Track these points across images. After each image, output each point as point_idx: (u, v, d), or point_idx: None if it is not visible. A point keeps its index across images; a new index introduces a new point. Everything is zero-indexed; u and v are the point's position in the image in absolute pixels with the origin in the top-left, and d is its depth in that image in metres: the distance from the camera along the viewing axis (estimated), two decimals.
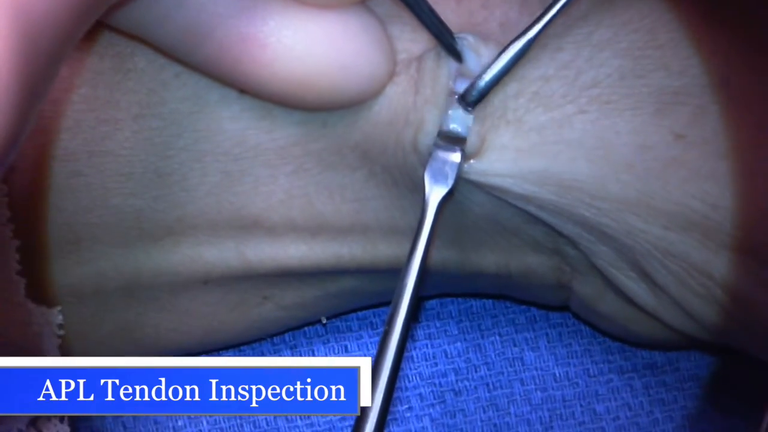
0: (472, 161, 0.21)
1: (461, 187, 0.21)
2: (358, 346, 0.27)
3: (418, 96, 0.20)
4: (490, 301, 0.28)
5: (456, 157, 0.20)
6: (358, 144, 0.21)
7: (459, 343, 0.27)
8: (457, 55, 0.20)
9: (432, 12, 0.20)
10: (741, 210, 0.19)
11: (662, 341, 0.24)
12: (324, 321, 0.27)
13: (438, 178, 0.21)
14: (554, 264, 0.23)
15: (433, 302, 0.28)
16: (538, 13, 0.20)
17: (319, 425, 0.27)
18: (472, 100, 0.20)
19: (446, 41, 0.20)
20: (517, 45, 0.20)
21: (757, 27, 0.20)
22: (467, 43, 0.20)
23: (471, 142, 0.20)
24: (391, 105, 0.21)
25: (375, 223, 0.23)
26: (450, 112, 0.20)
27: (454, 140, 0.20)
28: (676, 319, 0.22)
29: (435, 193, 0.20)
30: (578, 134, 0.20)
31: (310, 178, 0.22)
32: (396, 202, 0.22)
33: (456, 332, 0.27)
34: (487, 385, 0.27)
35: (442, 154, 0.21)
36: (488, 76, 0.20)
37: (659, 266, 0.20)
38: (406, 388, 0.27)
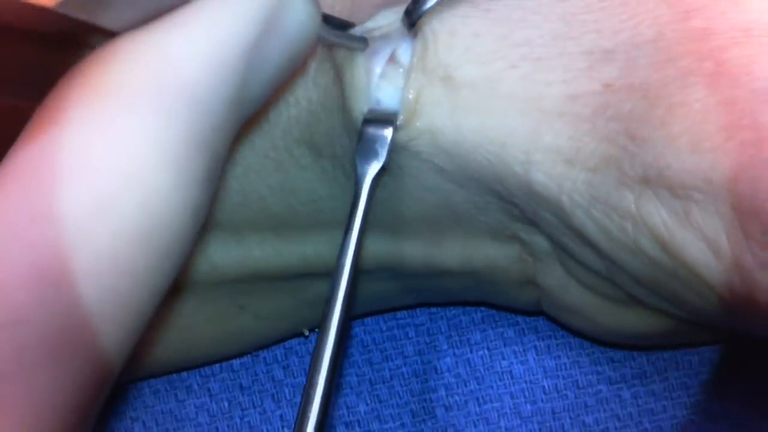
0: (408, 127, 0.21)
1: (406, 167, 0.21)
2: (349, 364, 0.28)
3: (342, 81, 0.21)
4: (479, 314, 0.28)
5: (388, 132, 0.21)
6: (302, 138, 0.22)
7: (449, 358, 0.28)
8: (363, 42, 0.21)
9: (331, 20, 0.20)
10: (662, 143, 0.19)
11: (628, 333, 0.24)
12: (306, 333, 0.27)
13: (369, 156, 0.21)
14: (515, 254, 0.23)
15: (422, 317, 0.28)
16: None
17: None
18: (414, 19, 0.21)
19: (352, 45, 0.21)
20: None
21: None
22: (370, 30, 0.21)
23: (405, 102, 0.21)
24: (323, 94, 0.21)
25: (334, 222, 0.23)
26: (376, 88, 0.21)
27: (384, 118, 0.21)
28: (628, 286, 0.22)
29: (367, 171, 0.21)
30: (509, 88, 0.20)
31: (261, 180, 0.22)
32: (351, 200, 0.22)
33: (445, 347, 0.28)
34: (477, 399, 0.27)
35: (372, 132, 0.21)
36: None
37: (585, 217, 0.20)
38: (398, 405, 0.27)
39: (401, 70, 0.21)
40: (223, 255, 0.23)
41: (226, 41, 0.16)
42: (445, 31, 0.21)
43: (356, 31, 0.21)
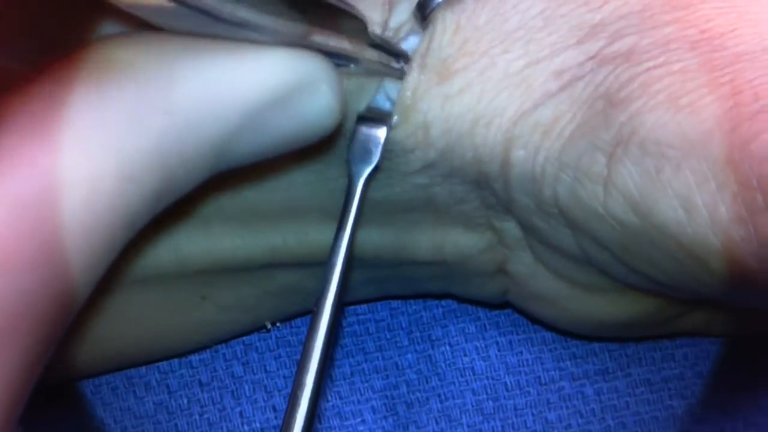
0: (402, 125, 0.21)
1: (395, 162, 0.21)
2: None
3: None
4: (440, 310, 0.28)
5: (381, 132, 0.21)
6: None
7: (410, 355, 0.27)
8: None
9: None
10: (639, 102, 0.19)
11: (598, 321, 0.24)
12: (268, 326, 0.27)
13: (363, 155, 0.21)
14: (486, 243, 0.23)
15: (383, 313, 0.28)
16: None
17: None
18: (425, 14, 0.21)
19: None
20: None
21: None
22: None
23: (403, 101, 0.21)
24: None
25: (306, 210, 0.23)
26: (373, 88, 0.21)
27: (379, 117, 0.21)
28: (604, 266, 0.22)
29: (360, 171, 0.21)
30: (501, 72, 0.20)
31: (234, 175, 0.22)
32: (327, 187, 0.22)
33: (407, 343, 0.27)
34: (439, 396, 0.27)
35: (366, 131, 0.21)
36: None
37: (556, 185, 0.20)
38: (359, 401, 0.27)
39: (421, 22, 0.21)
40: (190, 245, 0.23)
41: (229, 94, 0.16)
42: (451, 28, 0.21)
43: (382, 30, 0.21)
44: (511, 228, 0.23)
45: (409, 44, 0.21)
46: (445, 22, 0.21)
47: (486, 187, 0.22)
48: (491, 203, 0.22)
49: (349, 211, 0.20)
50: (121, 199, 0.15)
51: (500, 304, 0.26)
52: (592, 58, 0.20)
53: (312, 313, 0.19)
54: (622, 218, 0.19)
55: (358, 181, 0.21)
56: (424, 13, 0.21)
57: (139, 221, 0.16)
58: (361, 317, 0.28)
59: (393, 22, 0.21)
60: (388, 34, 0.21)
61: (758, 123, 0.18)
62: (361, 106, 0.21)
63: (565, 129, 0.20)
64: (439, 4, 0.21)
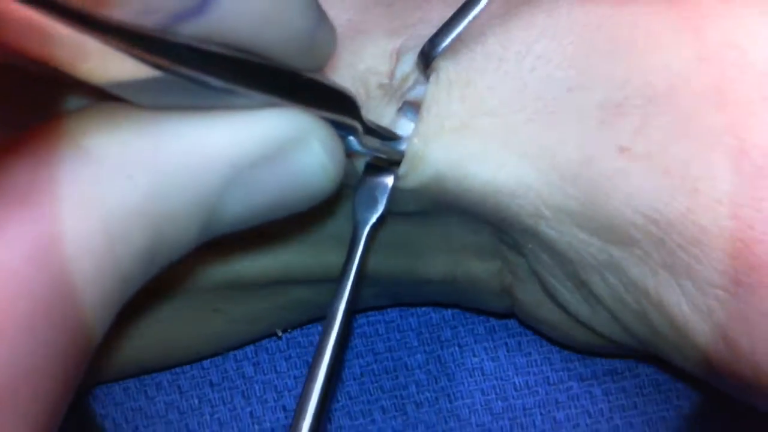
0: (412, 173, 0.20)
1: (406, 203, 0.21)
2: None
3: None
4: (449, 312, 0.28)
5: (389, 180, 0.20)
6: None
7: (419, 355, 0.27)
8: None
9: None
10: (682, 229, 0.19)
11: (601, 348, 0.24)
12: (279, 334, 0.27)
13: (369, 203, 0.20)
14: (496, 269, 0.23)
15: (393, 314, 0.28)
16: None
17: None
18: (430, 60, 0.20)
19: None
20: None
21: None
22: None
23: (412, 149, 0.20)
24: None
25: (322, 233, 0.23)
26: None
27: (387, 165, 0.20)
28: (609, 330, 0.22)
29: (366, 219, 0.20)
30: (524, 143, 0.20)
31: None
32: (340, 210, 0.22)
33: (416, 344, 0.28)
34: (448, 396, 0.27)
35: (373, 179, 0.20)
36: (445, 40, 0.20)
37: (598, 279, 0.21)
38: (369, 401, 0.27)
39: (410, 118, 0.20)
40: (205, 264, 0.23)
41: (216, 151, 0.15)
42: (461, 81, 0.20)
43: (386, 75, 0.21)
44: (522, 263, 0.23)
45: (416, 94, 0.21)
46: (449, 75, 0.20)
47: (505, 232, 0.21)
48: (507, 240, 0.22)
49: (353, 259, 0.20)
50: (111, 259, 0.14)
51: (506, 315, 0.27)
52: (623, 151, 0.19)
53: (313, 357, 0.19)
54: (657, 324, 0.20)
55: (363, 229, 0.20)
56: (426, 62, 0.20)
57: (132, 283, 0.15)
58: (371, 318, 0.28)
59: (399, 72, 0.21)
60: (395, 82, 0.21)
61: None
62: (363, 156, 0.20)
63: (601, 232, 0.20)
64: (441, 53, 0.20)
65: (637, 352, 0.25)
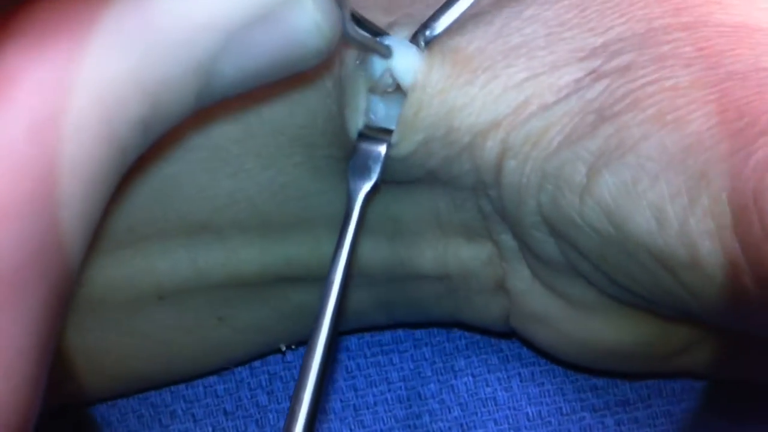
0: (404, 142, 0.21)
1: (398, 175, 0.22)
2: (333, 390, 0.28)
3: (343, 94, 0.21)
4: (464, 341, 0.28)
5: (382, 148, 0.21)
6: (297, 136, 0.22)
7: (432, 385, 0.28)
8: (382, 52, 0.21)
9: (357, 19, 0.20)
10: (628, 116, 0.19)
11: (596, 346, 0.24)
12: (283, 349, 0.27)
13: (362, 172, 0.21)
14: (486, 256, 0.24)
15: (407, 344, 0.28)
16: None
17: None
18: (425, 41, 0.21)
19: (378, 51, 0.21)
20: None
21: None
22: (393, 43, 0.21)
23: (405, 119, 0.21)
24: (322, 100, 0.21)
25: (321, 219, 0.23)
26: (375, 106, 0.21)
27: (380, 134, 0.21)
28: (597, 290, 0.22)
29: (360, 187, 0.21)
30: (502, 85, 0.21)
31: (250, 179, 0.22)
32: (341, 196, 0.22)
33: (430, 374, 0.28)
34: (461, 425, 0.27)
35: (366, 148, 0.21)
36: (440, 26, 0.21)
37: (538, 195, 0.21)
38: (382, 430, 0.27)
39: (402, 88, 0.21)
40: (207, 257, 0.23)
41: (210, 12, 0.15)
42: (451, 49, 0.21)
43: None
44: (508, 240, 0.23)
45: (406, 67, 0.21)
46: (442, 45, 0.21)
47: (483, 195, 0.22)
48: (488, 212, 0.23)
49: (348, 229, 0.20)
50: (107, 127, 0.14)
51: (506, 332, 0.27)
52: (590, 74, 0.21)
53: (311, 331, 0.19)
54: (598, 227, 0.20)
55: (357, 197, 0.21)
56: (426, 39, 0.21)
57: (131, 152, 0.15)
58: (385, 348, 0.28)
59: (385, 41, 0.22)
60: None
61: (739, 140, 0.18)
62: (360, 123, 0.21)
63: (553, 140, 0.20)
64: (436, 36, 0.21)
65: (624, 357, 0.25)
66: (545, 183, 0.20)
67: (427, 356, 0.28)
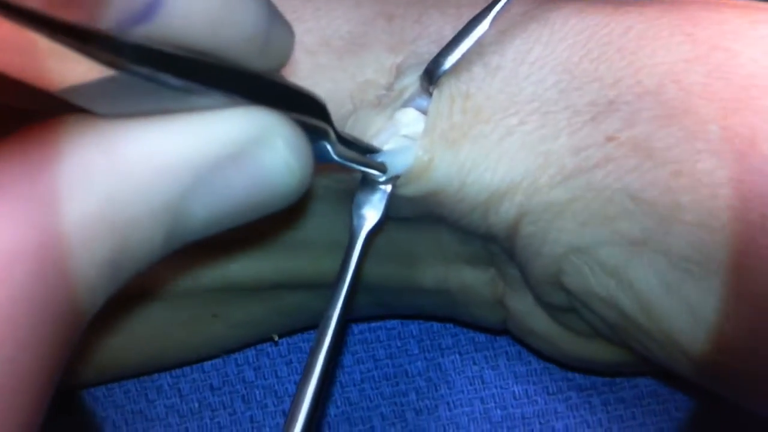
0: (411, 184, 0.21)
1: (402, 211, 0.21)
2: None
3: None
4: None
5: (387, 188, 0.21)
6: None
7: (419, 362, 0.28)
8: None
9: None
10: (667, 211, 0.19)
11: (591, 361, 0.24)
12: (276, 339, 0.27)
13: (367, 209, 0.20)
14: (489, 278, 0.24)
15: (394, 321, 0.28)
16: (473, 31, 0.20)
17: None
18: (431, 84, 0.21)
19: (371, 170, 0.20)
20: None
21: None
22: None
23: (416, 162, 0.20)
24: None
25: (319, 239, 0.23)
26: (383, 146, 0.21)
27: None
28: (586, 329, 0.22)
29: (362, 225, 0.20)
30: (518, 144, 0.20)
31: None
32: (340, 218, 0.22)
33: (417, 351, 0.28)
34: (448, 403, 0.27)
35: (370, 186, 0.21)
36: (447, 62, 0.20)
37: (564, 265, 0.21)
38: (368, 408, 0.27)
39: (410, 132, 0.21)
40: (205, 269, 0.24)
41: (178, 152, 0.15)
42: (461, 95, 0.21)
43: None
44: (513, 273, 0.23)
45: (416, 106, 0.21)
46: (451, 90, 0.21)
47: (491, 241, 0.22)
48: (496, 252, 0.23)
49: (349, 265, 0.20)
50: (73, 267, 0.14)
51: (500, 331, 0.27)
52: (610, 139, 0.20)
53: (306, 364, 0.19)
54: (628, 312, 0.20)
55: (359, 236, 0.20)
56: (431, 80, 0.21)
57: (100, 291, 0.15)
58: (372, 325, 0.28)
59: (398, 86, 0.21)
60: (392, 94, 0.21)
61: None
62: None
63: (579, 213, 0.20)
64: (445, 72, 0.20)
65: (621, 367, 0.25)
66: (571, 255, 0.20)
67: (414, 334, 0.28)
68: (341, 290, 0.19)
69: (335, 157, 0.18)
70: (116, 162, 0.14)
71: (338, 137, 0.18)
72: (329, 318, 0.19)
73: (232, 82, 0.15)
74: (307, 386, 0.18)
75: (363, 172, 0.20)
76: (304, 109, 0.16)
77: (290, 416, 0.18)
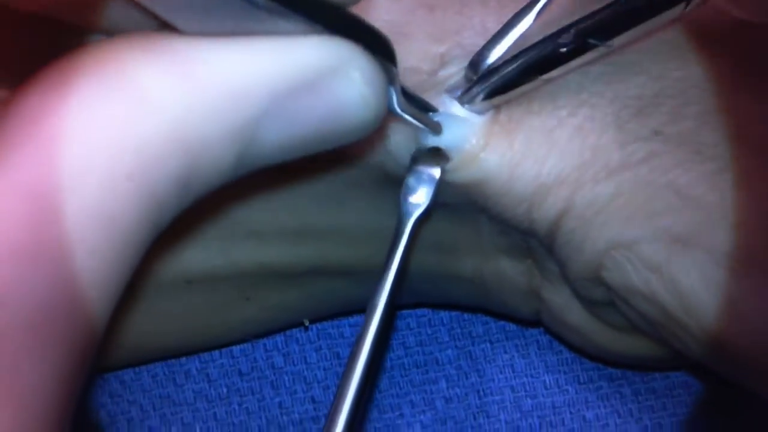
0: (461, 170, 0.21)
1: (446, 199, 0.21)
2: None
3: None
4: None
5: (436, 172, 0.20)
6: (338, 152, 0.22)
7: (450, 351, 0.27)
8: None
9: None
10: (712, 208, 0.19)
11: (625, 355, 0.24)
12: (307, 324, 0.27)
13: (415, 195, 0.20)
14: (525, 268, 0.24)
15: (425, 309, 0.28)
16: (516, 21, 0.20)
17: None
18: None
19: (428, 127, 0.20)
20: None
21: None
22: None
23: (469, 147, 0.20)
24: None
25: (357, 224, 0.23)
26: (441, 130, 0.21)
27: (435, 155, 0.20)
28: (624, 323, 0.22)
29: (411, 212, 0.20)
30: (567, 135, 0.20)
31: (291, 188, 0.22)
32: (378, 204, 0.22)
33: (447, 339, 0.28)
34: (478, 392, 0.27)
35: (421, 171, 0.20)
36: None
37: (605, 260, 0.21)
38: (398, 395, 0.27)
39: (468, 116, 0.21)
40: (240, 250, 0.23)
41: (253, 76, 0.15)
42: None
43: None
44: (551, 265, 0.23)
45: (455, 96, 0.21)
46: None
47: (531, 234, 0.22)
48: (534, 245, 0.22)
49: (396, 252, 0.20)
50: (147, 183, 0.14)
51: (533, 322, 0.27)
52: (657, 133, 0.20)
53: (351, 352, 0.19)
54: (669, 309, 0.20)
55: (407, 222, 0.20)
56: (476, 71, 0.20)
57: (168, 209, 0.15)
58: (402, 312, 0.28)
59: (442, 74, 0.21)
60: (435, 79, 0.21)
61: None
62: (411, 144, 0.21)
63: (623, 209, 0.20)
64: (491, 65, 0.20)
65: (656, 362, 0.25)
66: (613, 251, 0.20)
67: (444, 322, 0.28)
68: (388, 276, 0.19)
69: (397, 107, 0.18)
70: (191, 81, 0.14)
71: (402, 91, 0.18)
72: (375, 306, 0.19)
73: (315, 8, 0.15)
74: (353, 374, 0.18)
75: (419, 127, 0.20)
76: (377, 48, 0.16)
77: (335, 403, 0.18)
